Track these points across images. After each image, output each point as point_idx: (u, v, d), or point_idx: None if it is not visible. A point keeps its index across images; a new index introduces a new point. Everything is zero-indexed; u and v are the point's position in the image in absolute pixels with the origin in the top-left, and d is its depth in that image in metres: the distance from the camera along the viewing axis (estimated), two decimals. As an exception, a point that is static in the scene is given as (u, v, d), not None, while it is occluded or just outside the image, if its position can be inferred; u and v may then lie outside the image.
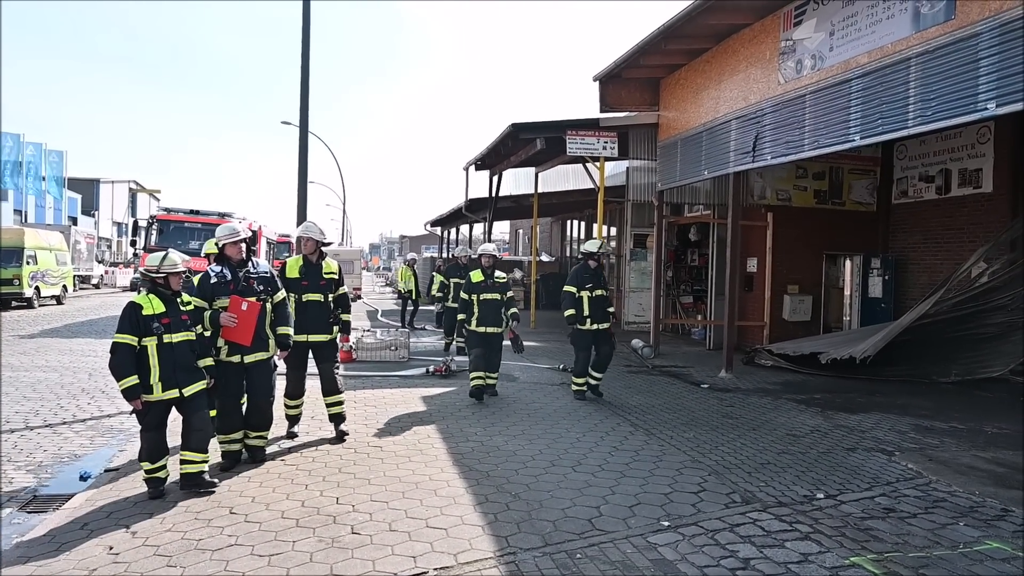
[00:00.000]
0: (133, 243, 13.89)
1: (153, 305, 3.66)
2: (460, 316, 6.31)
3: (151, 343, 3.60)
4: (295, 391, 4.85)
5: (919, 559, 3.00)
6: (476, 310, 6.17)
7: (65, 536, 3.14)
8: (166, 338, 3.63)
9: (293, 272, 4.75)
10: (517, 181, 16.29)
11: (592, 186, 10.30)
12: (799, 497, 3.77)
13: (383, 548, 3.03)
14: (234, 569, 2.83)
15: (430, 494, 3.70)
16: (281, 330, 4.31)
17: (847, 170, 10.35)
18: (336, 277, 4.88)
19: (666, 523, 3.37)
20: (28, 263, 16.02)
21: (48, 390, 6.77)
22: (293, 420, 4.92)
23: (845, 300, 10.32)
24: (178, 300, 3.78)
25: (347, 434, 4.77)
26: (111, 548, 3.01)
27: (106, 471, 4.18)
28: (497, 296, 6.17)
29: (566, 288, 6.22)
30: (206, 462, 3.75)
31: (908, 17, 5.33)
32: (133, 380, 3.53)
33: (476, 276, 6.22)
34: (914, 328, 7.63)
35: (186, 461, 3.70)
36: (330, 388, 4.76)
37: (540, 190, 13.14)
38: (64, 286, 18.44)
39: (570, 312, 6.22)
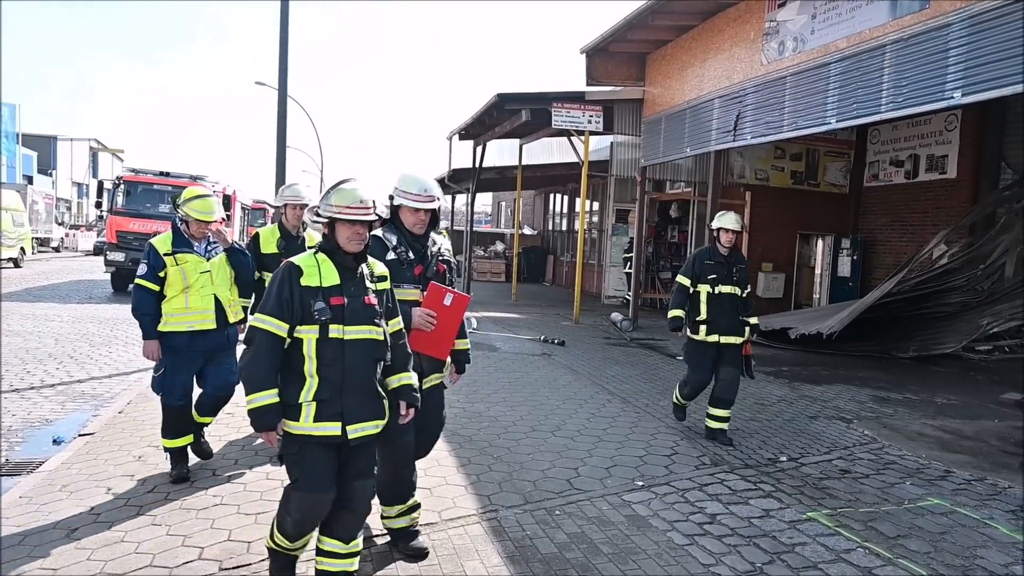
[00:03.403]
0: (98, 204, 13.21)
1: (322, 273, 2.16)
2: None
3: (310, 336, 2.12)
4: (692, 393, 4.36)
5: (868, 513, 3.25)
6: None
7: (43, 498, 3.11)
8: (334, 330, 2.12)
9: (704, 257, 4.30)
10: (501, 152, 16.13)
11: (576, 160, 10.29)
12: (764, 460, 4.00)
13: (368, 506, 3.12)
14: (221, 527, 2.87)
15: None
16: (460, 344, 2.78)
17: (823, 152, 10.59)
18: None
19: (640, 483, 3.54)
20: (-18, 224, 15.30)
21: (12, 355, 6.56)
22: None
23: (816, 278, 10.72)
24: (363, 268, 2.25)
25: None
26: (91, 508, 3.01)
27: (80, 435, 4.12)
28: None
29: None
30: (356, 556, 2.30)
31: (887, 3, 5.41)
32: (270, 397, 2.09)
33: (268, 245, 3.93)
34: (877, 306, 7.99)
35: (325, 553, 2.25)
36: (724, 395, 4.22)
37: (524, 162, 13.05)
38: (22, 248, 17.64)
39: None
